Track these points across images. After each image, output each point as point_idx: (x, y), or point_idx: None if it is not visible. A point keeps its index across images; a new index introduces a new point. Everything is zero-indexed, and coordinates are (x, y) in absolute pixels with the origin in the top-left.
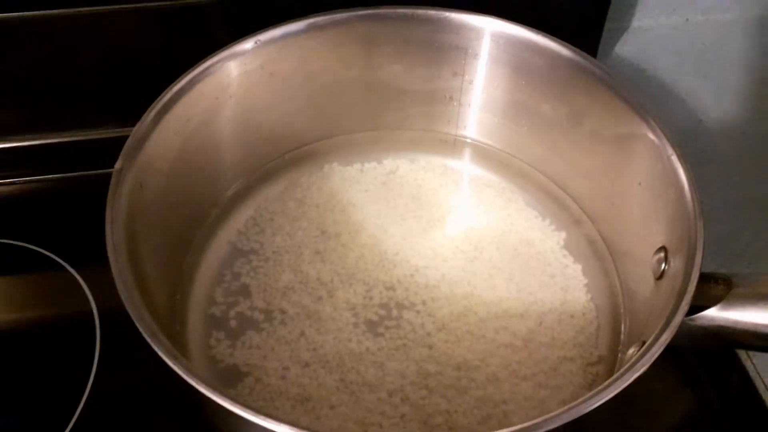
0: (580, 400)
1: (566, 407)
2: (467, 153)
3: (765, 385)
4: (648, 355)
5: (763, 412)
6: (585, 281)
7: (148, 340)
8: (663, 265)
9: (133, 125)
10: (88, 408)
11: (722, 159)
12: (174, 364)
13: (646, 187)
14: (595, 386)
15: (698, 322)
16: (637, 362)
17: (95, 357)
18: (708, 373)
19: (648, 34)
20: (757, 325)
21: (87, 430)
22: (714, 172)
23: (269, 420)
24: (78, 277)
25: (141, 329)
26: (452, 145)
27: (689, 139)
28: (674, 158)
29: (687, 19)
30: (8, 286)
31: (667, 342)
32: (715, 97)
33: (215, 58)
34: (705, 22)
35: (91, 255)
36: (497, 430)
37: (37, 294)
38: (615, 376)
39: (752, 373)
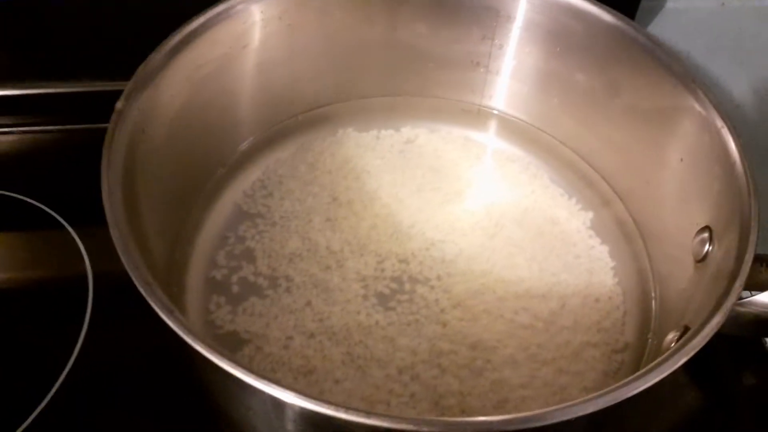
0: (627, 380)
1: (620, 384)
2: (492, 125)
3: None
4: (698, 338)
5: None
6: (612, 264)
7: (142, 291)
8: (707, 247)
9: None
10: (76, 370)
11: (758, 147)
12: (169, 318)
13: (689, 164)
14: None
15: (749, 308)
16: (685, 345)
17: (86, 319)
18: (734, 362)
19: (683, 16)
20: None
21: (73, 392)
22: (750, 160)
23: (270, 385)
24: (74, 234)
25: (135, 279)
26: (476, 116)
27: None
28: (724, 131)
29: (723, 3)
30: (1, 240)
31: (718, 326)
32: (751, 83)
33: (229, 3)
34: (741, 7)
35: (90, 213)
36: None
37: (31, 249)
38: (662, 357)
39: None
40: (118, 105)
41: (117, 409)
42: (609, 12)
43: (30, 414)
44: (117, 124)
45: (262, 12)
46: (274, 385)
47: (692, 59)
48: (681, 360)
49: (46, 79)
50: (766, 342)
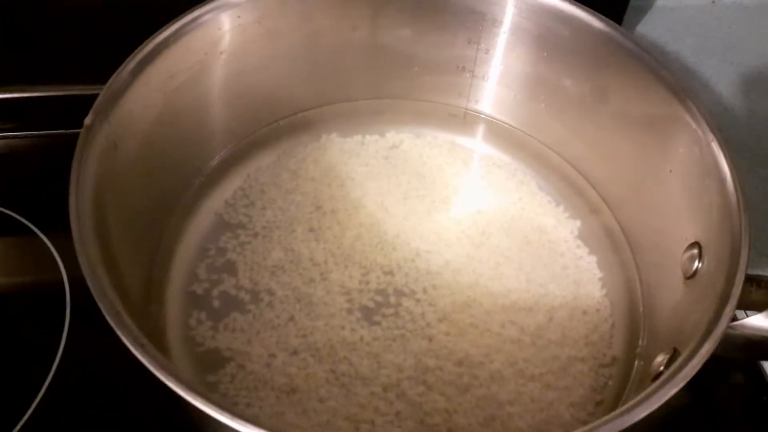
0: (608, 417)
1: (609, 418)
2: (478, 129)
3: None
4: (688, 368)
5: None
6: (600, 274)
7: (111, 322)
8: (696, 263)
9: None
10: (57, 379)
11: (748, 150)
12: (142, 354)
13: (678, 175)
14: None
15: (740, 331)
16: (675, 375)
17: (65, 326)
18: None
19: (673, 15)
20: None
21: (55, 401)
22: (740, 164)
23: (246, 424)
24: (48, 242)
25: (103, 310)
26: (462, 120)
27: None
28: (714, 145)
29: (713, 2)
30: None
31: (709, 353)
32: (741, 84)
33: (204, 8)
34: (732, 5)
35: (61, 219)
36: None
37: (4, 258)
38: (649, 390)
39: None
40: (87, 121)
41: (101, 414)
42: (596, 17)
43: (18, 421)
44: (86, 140)
45: (238, 17)
46: (249, 425)
47: (682, 59)
48: (671, 391)
49: (15, 84)
50: None
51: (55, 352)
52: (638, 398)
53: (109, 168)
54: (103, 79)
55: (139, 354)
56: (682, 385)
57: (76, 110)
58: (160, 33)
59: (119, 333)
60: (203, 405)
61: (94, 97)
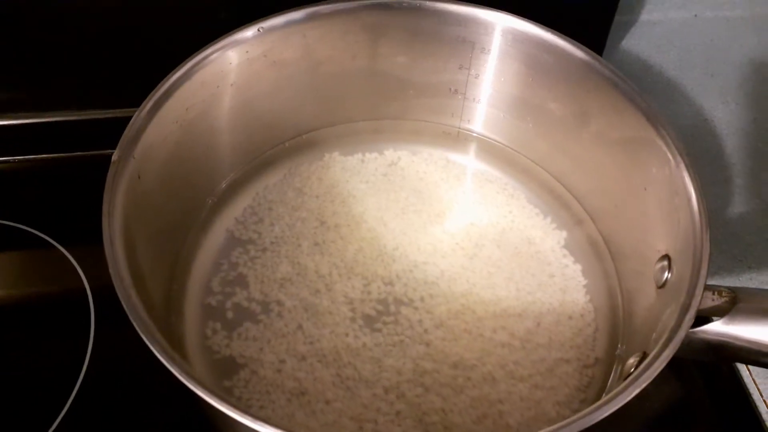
0: (573, 418)
1: (558, 426)
2: (471, 147)
3: (753, 378)
4: (650, 371)
5: (747, 404)
6: (584, 282)
7: (143, 337)
8: (666, 274)
9: (129, 107)
10: (85, 386)
11: (726, 160)
12: (172, 366)
13: (652, 193)
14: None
15: (700, 335)
16: (639, 377)
17: (90, 334)
18: (698, 368)
19: (656, 29)
20: (761, 341)
21: (85, 407)
22: (717, 174)
23: (265, 426)
24: (69, 256)
25: (139, 330)
26: (455, 138)
27: (694, 138)
28: (682, 166)
29: (696, 15)
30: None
31: (669, 357)
32: (721, 95)
33: (215, 46)
34: (714, 18)
35: (81, 234)
36: (492, 430)
37: (29, 273)
38: (615, 391)
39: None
40: (114, 157)
41: (129, 418)
42: (578, 47)
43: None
44: (115, 175)
45: (246, 52)
46: (267, 426)
47: (665, 72)
48: (634, 391)
49: (35, 110)
50: None
51: (84, 355)
52: (605, 399)
53: (135, 196)
54: (109, 106)
55: (167, 363)
56: (644, 385)
57: (88, 134)
58: (177, 71)
59: (150, 346)
60: (226, 408)
61: (103, 121)
